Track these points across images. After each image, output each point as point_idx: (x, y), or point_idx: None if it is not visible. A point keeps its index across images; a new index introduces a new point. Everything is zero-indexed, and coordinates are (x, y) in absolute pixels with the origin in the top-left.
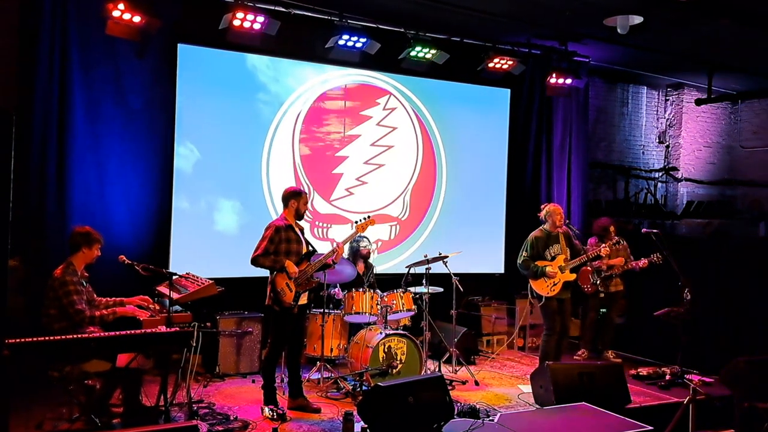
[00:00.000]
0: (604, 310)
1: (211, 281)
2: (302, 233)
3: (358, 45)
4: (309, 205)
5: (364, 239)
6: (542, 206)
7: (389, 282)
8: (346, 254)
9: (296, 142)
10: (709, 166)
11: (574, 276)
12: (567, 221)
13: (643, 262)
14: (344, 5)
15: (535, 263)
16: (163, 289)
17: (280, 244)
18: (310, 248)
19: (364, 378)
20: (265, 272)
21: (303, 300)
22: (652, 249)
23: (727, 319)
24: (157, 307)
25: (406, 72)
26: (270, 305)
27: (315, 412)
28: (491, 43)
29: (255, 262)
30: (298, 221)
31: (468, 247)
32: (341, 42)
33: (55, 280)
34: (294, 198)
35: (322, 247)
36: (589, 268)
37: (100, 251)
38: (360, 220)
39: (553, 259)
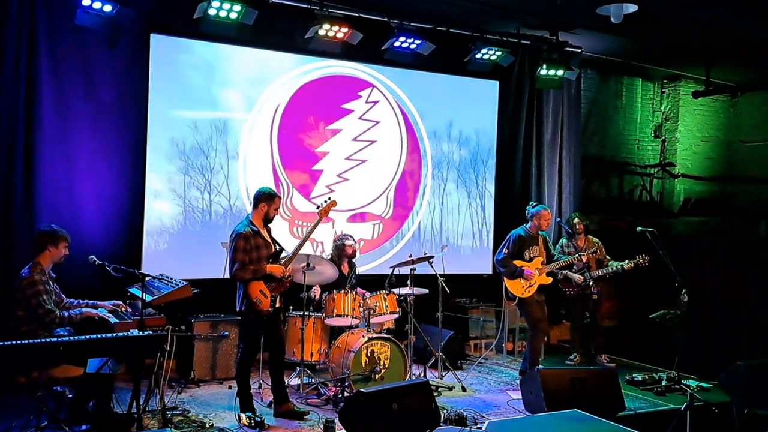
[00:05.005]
0: (586, 313)
1: (185, 282)
2: (269, 232)
3: (340, 35)
4: (288, 203)
5: (350, 237)
6: (533, 203)
7: (372, 283)
8: (327, 253)
9: (274, 137)
10: (707, 161)
11: (550, 280)
12: (559, 220)
13: (628, 265)
14: None
15: (513, 263)
16: (136, 290)
17: (251, 252)
18: (278, 247)
19: (346, 384)
20: None
21: (277, 304)
22: (645, 248)
23: (726, 322)
24: (129, 310)
25: (390, 63)
26: (243, 311)
27: (302, 418)
28: (479, 33)
29: (235, 277)
30: (266, 225)
31: (455, 246)
32: (322, 32)
33: (22, 281)
34: (265, 201)
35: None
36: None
37: (67, 250)
38: (321, 205)
39: (530, 260)
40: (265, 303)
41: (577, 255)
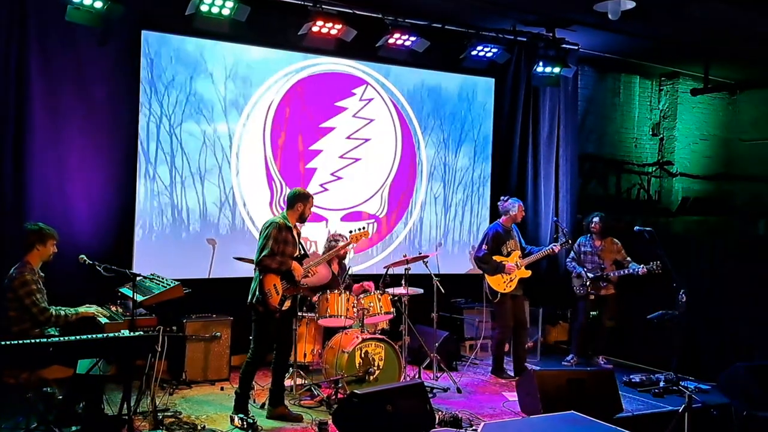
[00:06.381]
0: (594, 313)
1: (177, 282)
2: (299, 236)
3: (333, 32)
4: (281, 201)
5: (343, 237)
6: (505, 198)
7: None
8: (320, 253)
9: (267, 135)
10: (706, 159)
11: (529, 273)
12: (556, 219)
13: (642, 270)
14: None
15: (493, 258)
16: (127, 290)
17: (280, 244)
18: (302, 252)
19: (340, 385)
20: (236, 273)
21: (287, 304)
22: (645, 248)
23: (725, 322)
24: (120, 310)
25: (384, 60)
26: (253, 305)
27: (296, 421)
28: (474, 29)
29: (261, 263)
30: (300, 223)
31: (450, 245)
32: (315, 28)
33: (13, 281)
34: (301, 201)
35: None
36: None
37: (56, 247)
38: (354, 230)
39: (508, 255)
40: (275, 299)
41: (550, 247)
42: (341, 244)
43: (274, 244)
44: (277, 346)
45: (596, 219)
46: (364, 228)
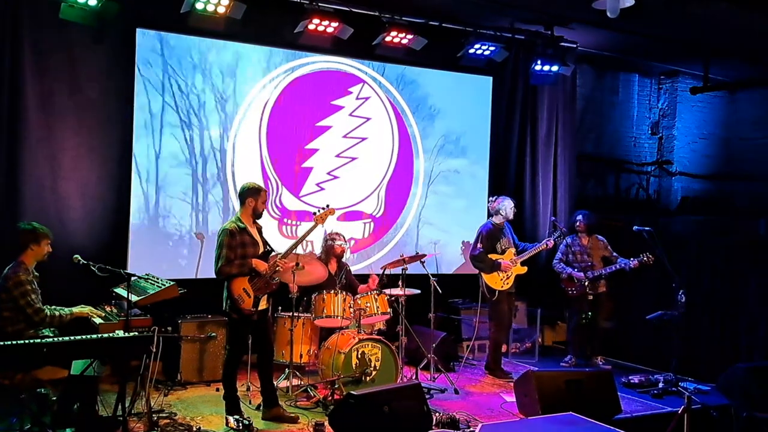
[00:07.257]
0: (590, 313)
1: (172, 282)
2: (260, 232)
3: (330, 30)
4: (277, 201)
5: (339, 237)
6: (494, 198)
7: (362, 283)
8: (318, 252)
9: (263, 134)
10: (705, 159)
11: (525, 269)
12: (554, 219)
13: (634, 263)
14: None
15: (488, 256)
16: (121, 290)
17: (236, 249)
18: (267, 248)
19: (336, 386)
20: None
21: (263, 305)
22: (643, 248)
23: (725, 323)
24: (115, 311)
25: (381, 59)
26: (226, 311)
27: (292, 422)
28: (472, 27)
29: (220, 273)
30: (256, 220)
31: (447, 245)
32: (311, 26)
33: (8, 280)
34: (252, 196)
35: (287, 244)
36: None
37: (50, 247)
38: (318, 211)
39: (503, 252)
40: (248, 302)
41: (544, 242)
42: (338, 242)
43: (228, 251)
44: (259, 348)
45: (580, 217)
46: (327, 206)
